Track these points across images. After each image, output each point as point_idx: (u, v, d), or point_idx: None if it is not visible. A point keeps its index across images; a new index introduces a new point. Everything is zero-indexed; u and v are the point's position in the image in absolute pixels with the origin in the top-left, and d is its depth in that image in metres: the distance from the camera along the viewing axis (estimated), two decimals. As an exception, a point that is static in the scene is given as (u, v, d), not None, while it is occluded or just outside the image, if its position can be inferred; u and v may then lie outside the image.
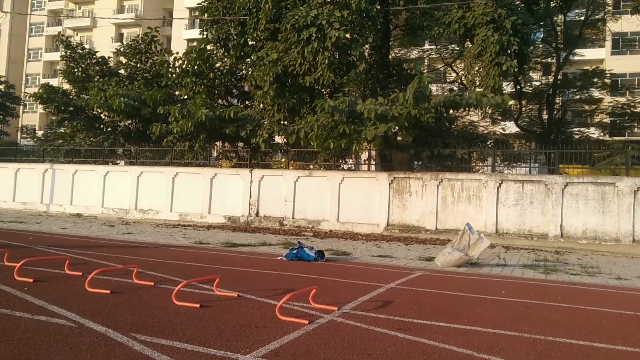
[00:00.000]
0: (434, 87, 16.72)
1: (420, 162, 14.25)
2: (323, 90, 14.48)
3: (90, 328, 2.95)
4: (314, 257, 6.55)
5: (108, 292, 3.99)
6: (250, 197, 14.20)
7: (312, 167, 14.83)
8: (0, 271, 4.73)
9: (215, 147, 18.19)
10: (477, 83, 13.36)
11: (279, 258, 6.79)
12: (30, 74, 55.07)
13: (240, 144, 17.86)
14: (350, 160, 16.27)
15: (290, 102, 13.55)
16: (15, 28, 53.56)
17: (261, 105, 15.53)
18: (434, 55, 21.95)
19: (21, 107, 43.47)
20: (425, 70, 21.35)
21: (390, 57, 15.89)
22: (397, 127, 12.25)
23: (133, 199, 15.94)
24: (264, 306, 3.81)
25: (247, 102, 18.70)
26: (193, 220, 14.80)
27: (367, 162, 15.57)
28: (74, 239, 8.70)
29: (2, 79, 38.56)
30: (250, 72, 15.33)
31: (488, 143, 15.26)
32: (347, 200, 13.01)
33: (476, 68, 13.43)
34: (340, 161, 15.44)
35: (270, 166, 16.18)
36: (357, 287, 4.86)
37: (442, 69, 21.73)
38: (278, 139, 16.20)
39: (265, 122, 15.14)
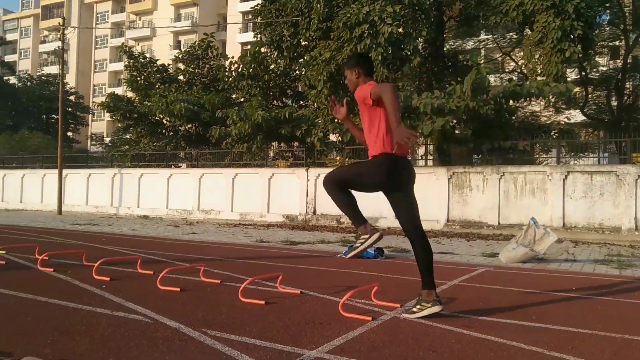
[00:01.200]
0: (492, 78, 16.23)
1: (479, 156, 13.88)
2: (377, 86, 14.40)
3: (165, 324, 3.11)
4: (374, 254, 6.55)
5: (178, 289, 4.17)
6: (307, 195, 14.35)
7: (367, 163, 14.78)
8: (80, 270, 5.06)
9: (272, 148, 18.51)
10: (539, 71, 12.85)
11: (339, 255, 6.84)
12: (97, 84, 58.19)
13: (296, 144, 18.10)
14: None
15: (344, 100, 13.56)
16: (82, 42, 56.76)
17: (315, 104, 15.66)
18: (490, 45, 21.29)
19: (90, 115, 46.09)
20: (482, 61, 20.74)
21: (445, 49, 15.60)
22: (454, 121, 12.01)
23: (195, 200, 16.51)
24: (326, 303, 3.86)
25: (301, 102, 18.93)
26: (253, 219, 15.14)
27: (424, 157, 15.35)
28: (143, 239, 9.15)
29: (73, 90, 40.99)
30: (303, 72, 15.50)
31: (552, 134, 14.65)
32: (405, 197, 12.84)
33: (537, 56, 12.92)
34: (397, 157, 15.28)
35: (325, 164, 16.28)
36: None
37: (500, 58, 21.05)
38: (333, 137, 16.27)
39: (320, 121, 15.25)
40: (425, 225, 11.98)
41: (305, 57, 15.28)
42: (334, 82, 13.54)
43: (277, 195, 15.12)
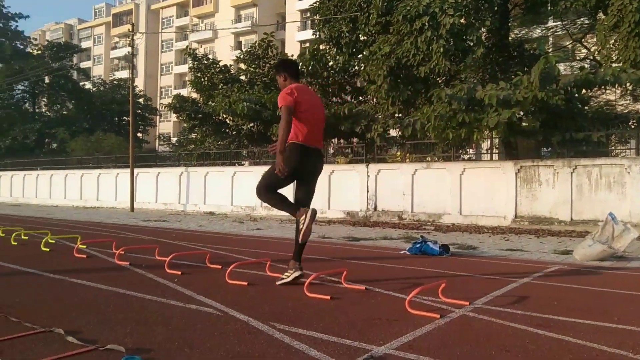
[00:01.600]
0: (562, 67, 15.41)
1: (549, 149, 13.23)
2: (438, 79, 14.07)
3: (234, 317, 3.19)
4: (439, 251, 6.41)
5: (245, 284, 4.27)
6: (368, 191, 14.28)
7: (429, 159, 14.50)
8: (153, 265, 5.31)
9: (331, 144, 18.56)
10: (614, 58, 12.06)
11: (402, 252, 6.76)
12: (164, 86, 60.70)
13: (355, 140, 18.04)
14: (471, 150, 15.64)
15: (404, 94, 13.37)
16: (149, 46, 59.39)
17: (375, 99, 15.54)
18: (559, 32, 20.23)
19: (157, 117, 48.14)
20: (551, 49, 19.75)
21: (510, 38, 14.98)
22: (521, 112, 11.51)
23: (258, 197, 16.76)
24: (392, 299, 3.82)
25: (360, 98, 18.83)
26: (314, 215, 15.18)
27: (489, 151, 14.85)
28: (210, 235, 9.47)
29: (141, 93, 43.01)
30: (362, 68, 15.41)
31: (630, 123, 13.71)
32: (470, 192, 12.51)
33: (612, 41, 12.13)
34: (460, 151, 14.91)
35: (385, 160, 16.12)
36: (487, 282, 4.67)
37: (570, 46, 19.94)
38: (393, 133, 16.09)
39: (380, 116, 15.12)
40: (492, 222, 11.60)
41: (364, 53, 15.17)
42: (394, 77, 13.35)
43: (337, 191, 15.15)
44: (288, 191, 4.30)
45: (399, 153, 16.73)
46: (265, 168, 15.77)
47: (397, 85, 13.48)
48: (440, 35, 12.09)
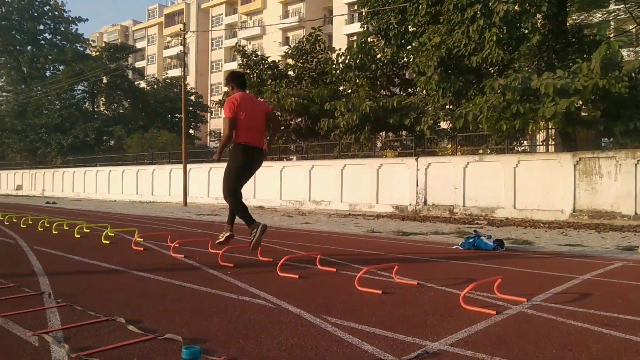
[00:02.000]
0: (625, 52, 14.57)
1: (610, 139, 12.57)
2: (491, 69, 13.65)
3: (286, 309, 3.22)
4: (493, 246, 6.23)
5: (297, 277, 4.30)
6: (417, 185, 14.06)
7: (481, 151, 14.12)
8: (207, 257, 5.44)
9: (380, 138, 18.40)
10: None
11: (455, 247, 6.61)
12: (214, 83, 62.05)
13: (404, 133, 17.81)
14: (525, 141, 15.09)
15: (455, 85, 13.06)
16: (200, 44, 60.82)
17: (424, 91, 15.26)
18: (622, 16, 19.12)
19: (208, 113, 49.30)
20: (612, 35, 18.72)
21: (568, 24, 14.30)
22: (580, 102, 10.98)
23: (306, 191, 16.94)
24: (445, 295, 3.74)
25: (409, 90, 18.55)
26: (362, 209, 15.20)
27: (545, 142, 14.28)
28: (260, 228, 9.60)
29: (193, 91, 44.15)
30: (412, 59, 15.15)
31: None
32: (524, 185, 12.08)
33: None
34: (514, 143, 14.41)
35: (435, 153, 15.83)
36: (545, 278, 4.49)
37: (634, 30, 18.82)
38: (443, 125, 15.76)
39: (429, 109, 14.84)
40: (548, 216, 11.19)
41: (413, 44, 14.92)
42: (445, 67, 13.05)
43: (386, 185, 15.02)
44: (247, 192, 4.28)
45: (449, 146, 16.37)
46: (313, 162, 15.70)
47: (447, 76, 13.18)
48: (493, 24, 11.70)
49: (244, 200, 5.60)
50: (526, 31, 12.23)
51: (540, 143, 14.77)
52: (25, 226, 9.08)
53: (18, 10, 43.43)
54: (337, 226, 10.23)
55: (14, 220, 10.12)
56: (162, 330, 2.69)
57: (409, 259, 5.54)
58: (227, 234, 5.46)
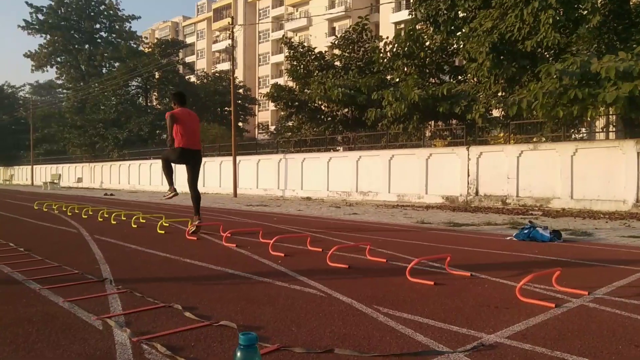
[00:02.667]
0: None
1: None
2: (546, 53, 13.06)
3: (337, 298, 3.22)
4: (549, 237, 5.99)
5: (346, 267, 4.30)
6: (468, 175, 13.73)
7: (536, 139, 13.60)
8: (258, 247, 5.53)
9: (429, 127, 18.08)
10: None
11: (508, 238, 6.41)
12: (261, 76, 62.72)
13: (454, 122, 17.42)
14: (583, 128, 14.41)
15: (508, 71, 12.59)
16: (247, 38, 61.54)
17: (475, 78, 14.82)
18: (692, -8, 17.80)
19: (256, 106, 49.93)
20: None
21: (631, 3, 13.46)
22: (645, 85, 10.34)
23: (354, 182, 16.90)
24: (500, 287, 3.63)
25: (459, 78, 18.09)
26: (410, 200, 15.02)
27: (604, 129, 13.59)
28: (308, 219, 9.68)
29: (241, 84, 44.81)
30: (462, 46, 14.72)
31: None
32: (582, 174, 11.56)
33: None
34: (572, 130, 13.80)
35: (487, 142, 15.39)
36: (608, 271, 4.28)
37: None
38: (495, 113, 15.28)
39: (481, 96, 14.40)
40: (608, 206, 10.71)
41: (463, 30, 14.49)
42: (497, 53, 12.58)
43: (435, 175, 14.75)
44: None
45: (501, 134, 15.87)
46: (361, 153, 15.64)
47: (500, 62, 12.72)
48: (549, 5, 11.18)
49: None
50: (585, 12, 11.60)
51: (600, 130, 14.06)
52: (86, 217, 9.54)
53: (76, 11, 45.41)
54: (385, 217, 10.15)
55: (76, 211, 10.65)
56: (217, 317, 2.75)
57: (461, 250, 5.42)
58: (197, 222, 6.92)
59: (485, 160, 13.53)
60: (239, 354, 1.52)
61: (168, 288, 3.51)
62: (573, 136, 13.99)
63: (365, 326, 2.64)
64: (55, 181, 34.17)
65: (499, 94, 13.93)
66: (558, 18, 11.25)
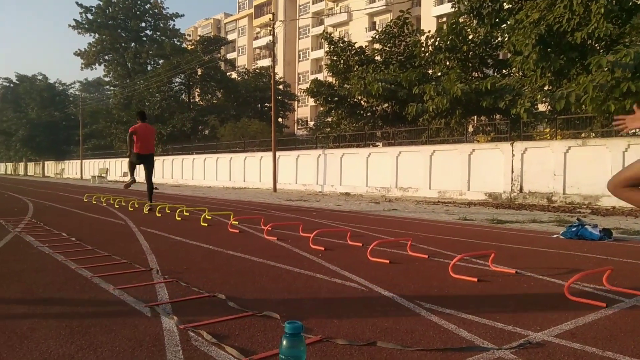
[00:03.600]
0: None
1: None
2: (597, 45, 12.54)
3: (379, 292, 3.21)
4: (599, 235, 5.77)
5: (387, 262, 4.28)
6: (512, 172, 13.38)
7: (584, 135, 13.10)
8: (298, 240, 5.57)
9: (471, 122, 17.71)
10: None
11: (555, 236, 6.22)
12: (301, 72, 62.95)
13: (498, 117, 16.99)
14: (636, 123, 13.75)
15: (556, 64, 12.16)
16: (287, 34, 61.86)
17: (520, 72, 14.39)
18: None
19: (296, 102, 50.21)
20: None
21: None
22: None
23: (393, 177, 16.77)
24: (547, 285, 3.53)
25: (503, 71, 17.63)
26: (452, 197, 14.78)
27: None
28: (348, 214, 9.67)
29: (281, 80, 45.15)
30: (507, 38, 14.31)
31: None
32: (635, 171, 11.00)
33: None
34: (624, 126, 13.14)
35: (532, 137, 14.94)
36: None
37: None
38: (541, 107, 14.80)
39: (526, 90, 13.98)
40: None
41: (509, 22, 14.08)
42: (544, 45, 12.16)
43: (477, 172, 14.44)
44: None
45: (547, 129, 15.36)
46: (401, 148, 15.49)
47: (547, 55, 12.30)
48: (600, -6, 10.73)
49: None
50: (639, 1, 11.08)
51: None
52: (132, 209, 9.87)
53: (123, 10, 46.81)
54: (426, 213, 10.02)
55: (123, 204, 11.03)
56: (260, 307, 2.79)
57: (505, 248, 5.30)
58: (149, 207, 9.44)
59: (530, 156, 13.14)
60: (284, 341, 1.55)
61: (212, 278, 3.59)
62: (624, 132, 13.40)
63: (407, 321, 2.62)
64: (102, 175, 35.49)
65: (546, 87, 13.48)
66: (610, 8, 10.78)
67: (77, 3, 45.67)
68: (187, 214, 8.78)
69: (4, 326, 2.45)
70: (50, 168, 59.97)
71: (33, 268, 3.93)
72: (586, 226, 5.97)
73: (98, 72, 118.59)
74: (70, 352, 2.11)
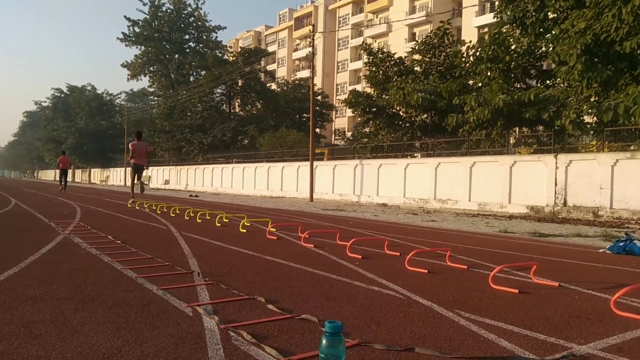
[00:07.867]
0: None
1: None
2: (647, 55, 12.10)
3: (417, 301, 3.19)
4: (648, 250, 5.54)
5: (425, 271, 4.24)
6: (556, 185, 13.01)
7: (634, 147, 12.63)
8: (335, 248, 5.59)
9: (513, 134, 17.36)
10: None
11: (601, 251, 6.01)
12: (339, 83, 63.24)
13: (541, 128, 16.58)
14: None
15: (603, 74, 11.78)
16: (326, 45, 62.36)
17: (565, 82, 14.02)
18: None
19: (334, 112, 50.41)
20: None
21: None
22: None
23: (432, 189, 16.57)
24: (592, 298, 3.42)
25: (547, 82, 17.22)
26: (492, 209, 14.47)
27: None
28: (385, 224, 9.62)
29: (319, 91, 45.49)
30: (551, 48, 13.99)
31: None
32: (688, 186, 10.56)
33: None
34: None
35: (577, 150, 14.49)
36: None
37: None
38: (587, 119, 14.35)
39: (571, 101, 13.60)
40: None
41: (553, 31, 13.76)
42: (591, 55, 11.82)
43: (519, 184, 14.10)
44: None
45: (593, 142, 14.87)
46: (440, 159, 15.37)
47: (593, 65, 11.95)
48: (651, 3, 10.36)
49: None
50: (694, 9, 10.62)
51: None
52: (174, 215, 10.13)
53: (168, 23, 48.40)
54: (465, 225, 9.86)
55: (165, 210, 11.33)
56: (298, 310, 2.83)
57: (548, 261, 5.16)
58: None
59: (575, 169, 12.74)
60: (324, 341, 1.57)
61: (251, 282, 3.66)
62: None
63: (446, 329, 2.60)
64: (145, 182, 36.49)
65: (592, 98, 13.08)
66: (662, 16, 10.39)
67: (125, 17, 47.55)
68: (227, 220, 8.95)
69: (56, 320, 2.58)
70: (96, 175, 62.27)
71: (82, 267, 4.10)
72: (635, 241, 5.75)
73: (143, 82, 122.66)
74: (117, 346, 2.20)
